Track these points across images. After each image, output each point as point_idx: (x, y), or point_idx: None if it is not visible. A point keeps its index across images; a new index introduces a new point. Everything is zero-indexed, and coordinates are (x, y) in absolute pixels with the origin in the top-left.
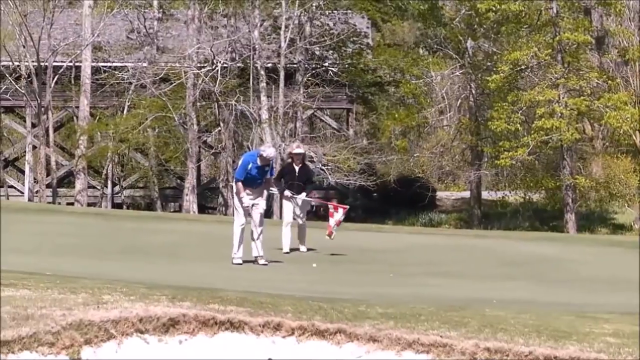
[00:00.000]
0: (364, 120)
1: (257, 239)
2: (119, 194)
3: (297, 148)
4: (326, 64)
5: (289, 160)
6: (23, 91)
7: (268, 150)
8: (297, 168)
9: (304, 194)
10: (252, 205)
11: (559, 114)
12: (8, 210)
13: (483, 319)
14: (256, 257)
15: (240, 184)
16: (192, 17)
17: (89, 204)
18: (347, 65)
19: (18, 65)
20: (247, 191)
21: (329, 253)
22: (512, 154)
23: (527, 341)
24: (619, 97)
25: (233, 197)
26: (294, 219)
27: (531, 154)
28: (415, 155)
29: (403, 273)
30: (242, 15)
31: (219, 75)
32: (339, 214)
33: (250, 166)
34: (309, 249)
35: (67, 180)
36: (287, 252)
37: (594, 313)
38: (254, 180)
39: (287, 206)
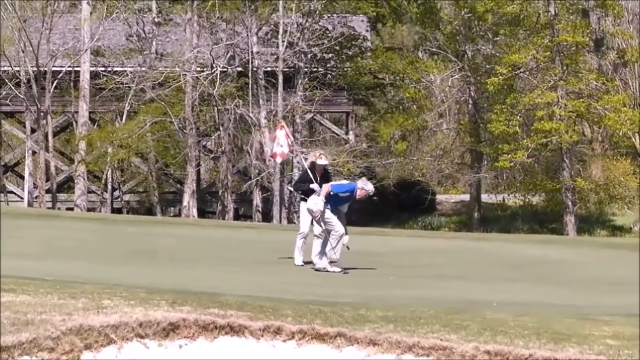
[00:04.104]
0: (363, 123)
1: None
2: (119, 199)
3: (321, 158)
4: (325, 67)
5: (310, 168)
6: (22, 96)
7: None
8: (317, 175)
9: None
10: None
11: (558, 116)
12: (8, 215)
13: (483, 321)
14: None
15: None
16: (190, 20)
17: (88, 209)
18: (346, 69)
19: (17, 71)
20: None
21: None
22: (512, 157)
23: (527, 344)
24: (618, 99)
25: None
26: (317, 234)
27: (530, 156)
28: (414, 158)
29: (403, 276)
30: (241, 20)
31: (217, 79)
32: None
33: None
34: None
35: (66, 185)
36: (300, 265)
37: (595, 315)
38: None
39: (304, 216)
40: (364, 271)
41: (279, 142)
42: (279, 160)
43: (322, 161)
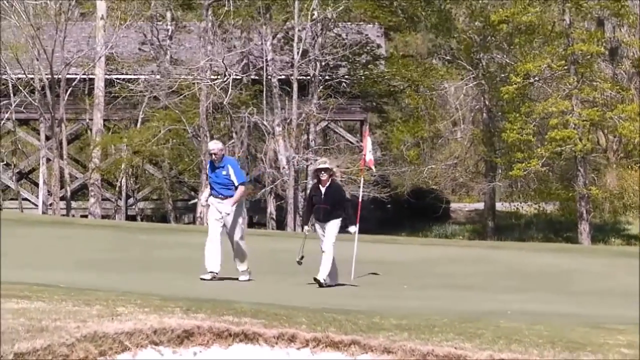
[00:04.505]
0: (377, 131)
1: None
2: (133, 206)
3: (321, 163)
4: (339, 75)
5: (315, 180)
6: (37, 104)
7: (211, 144)
8: (322, 189)
9: (333, 222)
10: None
11: (572, 125)
12: (22, 223)
13: (497, 330)
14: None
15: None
16: (204, 29)
17: (102, 217)
18: (360, 76)
19: (32, 78)
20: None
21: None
22: (526, 165)
23: (541, 352)
24: (633, 107)
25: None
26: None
27: (545, 165)
28: (428, 166)
29: (417, 285)
30: (255, 28)
31: (230, 87)
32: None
33: (207, 167)
34: (327, 285)
35: (81, 192)
36: (326, 285)
37: (608, 324)
38: (214, 185)
39: (319, 231)
40: (377, 280)
41: (370, 148)
42: (373, 168)
43: (320, 165)
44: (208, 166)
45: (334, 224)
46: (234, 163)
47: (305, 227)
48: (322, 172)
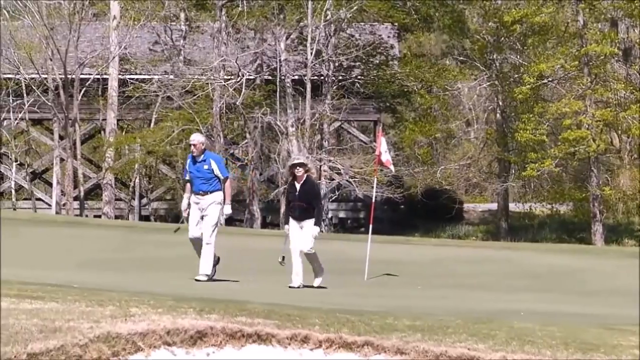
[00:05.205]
0: (390, 131)
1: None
2: (147, 207)
3: (295, 158)
4: (353, 75)
5: (290, 177)
6: (50, 104)
7: (193, 136)
8: (298, 185)
9: (311, 221)
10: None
11: (586, 125)
12: (36, 222)
13: (510, 331)
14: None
15: (187, 184)
16: (218, 29)
17: (116, 217)
18: (373, 77)
19: (45, 78)
20: (192, 196)
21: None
22: (539, 165)
23: (554, 354)
24: None
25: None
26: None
27: (558, 165)
28: (442, 167)
29: (430, 285)
30: (269, 28)
31: (243, 87)
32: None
33: (187, 162)
34: (319, 287)
35: (94, 192)
36: (296, 287)
37: (621, 325)
38: (194, 180)
39: (293, 229)
40: (390, 280)
41: (385, 148)
42: (392, 167)
43: (295, 160)
44: (188, 161)
45: (312, 224)
46: (218, 158)
47: (286, 227)
48: (297, 168)
